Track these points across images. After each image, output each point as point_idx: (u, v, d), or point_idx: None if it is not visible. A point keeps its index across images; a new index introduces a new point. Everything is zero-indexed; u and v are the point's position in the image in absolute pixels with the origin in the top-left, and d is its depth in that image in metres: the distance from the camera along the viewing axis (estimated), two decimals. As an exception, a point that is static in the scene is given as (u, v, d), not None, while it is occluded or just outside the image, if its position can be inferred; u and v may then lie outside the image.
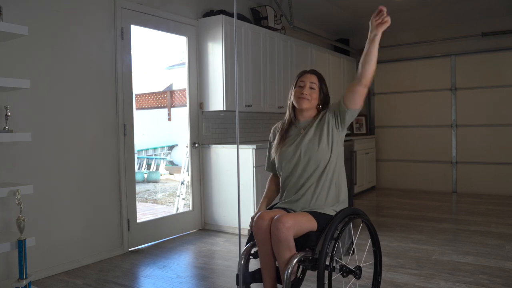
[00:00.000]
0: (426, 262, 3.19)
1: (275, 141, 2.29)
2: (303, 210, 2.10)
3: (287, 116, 2.32)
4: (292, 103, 2.26)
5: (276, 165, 2.27)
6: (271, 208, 2.25)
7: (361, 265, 2.11)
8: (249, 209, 4.05)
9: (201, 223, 4.41)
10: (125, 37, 3.64)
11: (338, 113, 2.14)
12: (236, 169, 2.47)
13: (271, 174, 2.41)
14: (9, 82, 2.50)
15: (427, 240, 3.81)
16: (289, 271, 1.88)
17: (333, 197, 2.15)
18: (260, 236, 2.02)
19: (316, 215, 2.05)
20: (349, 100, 2.08)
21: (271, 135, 2.40)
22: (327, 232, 1.97)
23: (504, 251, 3.43)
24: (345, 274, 2.00)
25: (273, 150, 2.30)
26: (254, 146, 4.03)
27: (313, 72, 2.27)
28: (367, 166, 6.54)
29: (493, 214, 4.82)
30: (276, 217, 1.97)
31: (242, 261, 2.09)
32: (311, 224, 2.01)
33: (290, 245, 1.93)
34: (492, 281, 2.79)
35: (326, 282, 1.90)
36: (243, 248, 2.14)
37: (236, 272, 2.11)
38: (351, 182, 2.32)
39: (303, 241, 2.01)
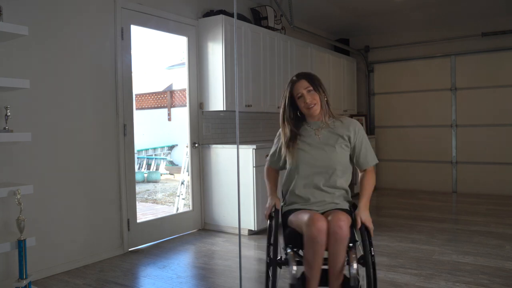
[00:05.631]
0: (426, 262, 3.19)
1: (286, 138, 2.21)
2: (332, 209, 2.13)
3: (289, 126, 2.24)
4: (298, 112, 2.24)
5: (291, 165, 2.21)
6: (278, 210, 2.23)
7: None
8: (249, 209, 4.05)
9: (201, 223, 4.41)
10: (125, 37, 3.64)
11: (351, 155, 2.30)
12: (236, 169, 2.47)
13: (268, 165, 2.39)
14: (9, 82, 2.50)
15: (427, 240, 3.81)
16: (355, 266, 1.92)
17: (347, 196, 2.23)
18: (320, 238, 1.97)
19: (346, 212, 2.11)
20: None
21: (280, 135, 2.31)
22: (361, 227, 2.04)
23: (504, 251, 3.43)
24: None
25: (284, 148, 2.23)
26: (254, 146, 4.03)
27: (301, 77, 2.20)
28: (367, 166, 6.52)
29: (493, 214, 4.82)
30: (332, 217, 1.98)
31: (295, 266, 2.00)
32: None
33: (347, 243, 1.97)
34: (492, 281, 2.80)
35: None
36: (271, 252, 2.05)
37: (290, 282, 2.00)
38: (351, 182, 2.35)
39: None
